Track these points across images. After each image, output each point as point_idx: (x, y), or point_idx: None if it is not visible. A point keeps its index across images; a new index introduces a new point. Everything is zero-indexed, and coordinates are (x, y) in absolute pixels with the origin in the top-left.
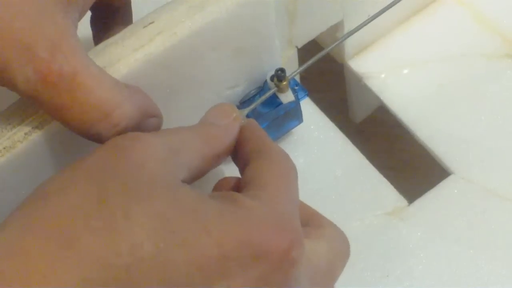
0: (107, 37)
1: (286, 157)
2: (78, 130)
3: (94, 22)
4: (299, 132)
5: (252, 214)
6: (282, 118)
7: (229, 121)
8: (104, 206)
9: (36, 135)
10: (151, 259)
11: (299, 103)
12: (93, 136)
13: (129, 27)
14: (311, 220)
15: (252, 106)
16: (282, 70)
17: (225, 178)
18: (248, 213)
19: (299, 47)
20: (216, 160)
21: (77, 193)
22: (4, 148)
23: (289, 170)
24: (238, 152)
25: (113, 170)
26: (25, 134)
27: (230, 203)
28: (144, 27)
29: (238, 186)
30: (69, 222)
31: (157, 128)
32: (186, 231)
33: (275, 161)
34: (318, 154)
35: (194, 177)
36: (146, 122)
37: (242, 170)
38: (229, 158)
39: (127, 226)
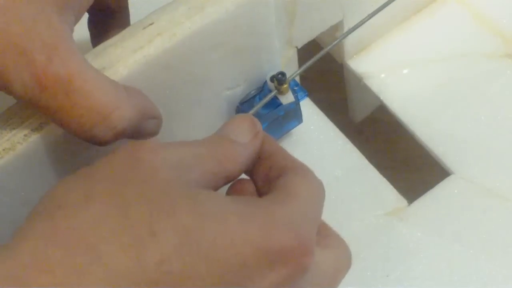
0: (105, 40)
1: (318, 179)
2: (76, 133)
3: (91, 25)
4: (299, 132)
5: (273, 217)
6: (282, 119)
7: (250, 139)
8: (128, 219)
9: (36, 137)
10: (178, 273)
11: (299, 104)
12: (91, 138)
13: (129, 28)
14: (319, 229)
15: (253, 110)
16: (282, 74)
17: (242, 184)
18: (269, 217)
19: (298, 47)
20: (227, 181)
21: (98, 205)
22: (4, 149)
23: (322, 192)
24: (258, 167)
25: (129, 179)
26: (25, 135)
27: (252, 206)
28: (144, 28)
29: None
30: (94, 235)
31: (156, 129)
32: (211, 243)
33: (309, 178)
34: (318, 154)
35: None
36: (145, 124)
37: (260, 186)
38: None
39: (154, 242)
